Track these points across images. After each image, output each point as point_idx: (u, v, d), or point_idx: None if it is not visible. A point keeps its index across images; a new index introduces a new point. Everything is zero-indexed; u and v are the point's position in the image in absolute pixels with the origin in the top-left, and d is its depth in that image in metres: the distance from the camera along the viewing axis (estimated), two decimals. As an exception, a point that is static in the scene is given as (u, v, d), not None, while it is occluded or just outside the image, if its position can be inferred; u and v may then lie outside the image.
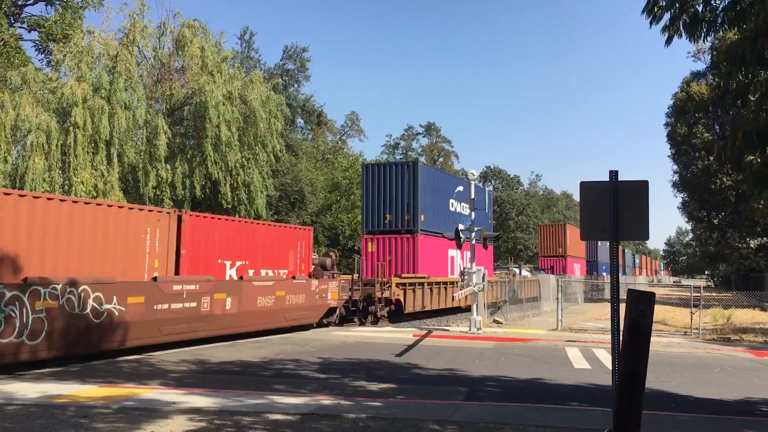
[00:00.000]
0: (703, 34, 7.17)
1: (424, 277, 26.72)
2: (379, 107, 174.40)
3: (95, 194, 26.97)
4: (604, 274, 62.73)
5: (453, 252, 30.59)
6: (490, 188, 50.74)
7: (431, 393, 10.78)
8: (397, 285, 24.52)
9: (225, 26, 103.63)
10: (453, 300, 28.14)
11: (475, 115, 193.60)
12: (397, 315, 24.98)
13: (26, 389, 9.80)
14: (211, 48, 33.09)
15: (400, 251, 27.15)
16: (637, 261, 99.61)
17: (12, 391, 9.60)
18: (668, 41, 7.24)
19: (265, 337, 18.26)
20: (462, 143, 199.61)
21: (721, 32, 7.47)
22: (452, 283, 29.27)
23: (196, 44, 32.24)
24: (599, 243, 60.97)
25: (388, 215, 27.45)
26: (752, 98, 8.09)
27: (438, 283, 28.03)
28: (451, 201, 30.88)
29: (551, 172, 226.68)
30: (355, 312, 23.98)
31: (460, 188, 31.52)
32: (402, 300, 24.71)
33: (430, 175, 29.25)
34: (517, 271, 34.53)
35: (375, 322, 23.86)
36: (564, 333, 21.61)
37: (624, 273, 76.76)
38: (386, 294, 24.00)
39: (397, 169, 28.10)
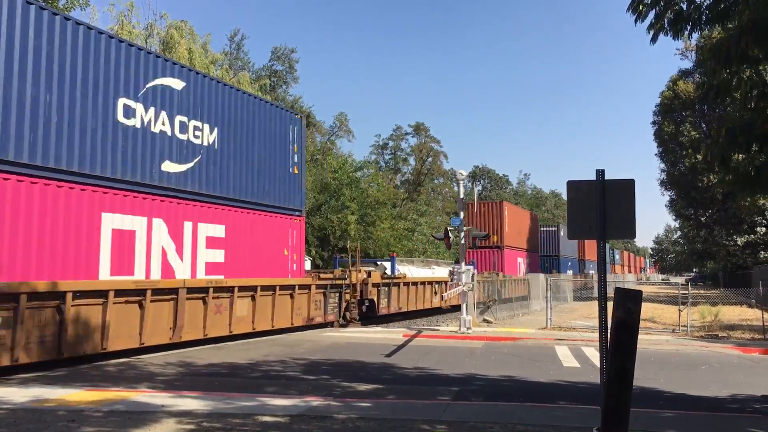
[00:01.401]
0: (687, 32, 7.21)
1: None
2: (367, 108, 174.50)
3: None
4: (569, 271, 58.16)
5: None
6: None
7: (421, 393, 10.78)
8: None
9: (211, 27, 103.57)
10: (443, 299, 28.21)
11: (464, 115, 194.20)
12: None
13: (13, 393, 9.71)
14: (198, 50, 33.04)
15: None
16: (617, 257, 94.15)
17: (-1, 396, 9.51)
18: (654, 39, 7.28)
19: (253, 339, 18.20)
20: (451, 143, 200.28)
21: (705, 30, 7.52)
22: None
23: (184, 46, 32.17)
24: (561, 233, 56.74)
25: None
26: (737, 96, 8.14)
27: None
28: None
29: (540, 172, 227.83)
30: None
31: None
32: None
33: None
34: (387, 267, 26.56)
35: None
36: (553, 332, 21.69)
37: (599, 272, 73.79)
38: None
39: None
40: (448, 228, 22.50)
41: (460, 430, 7.83)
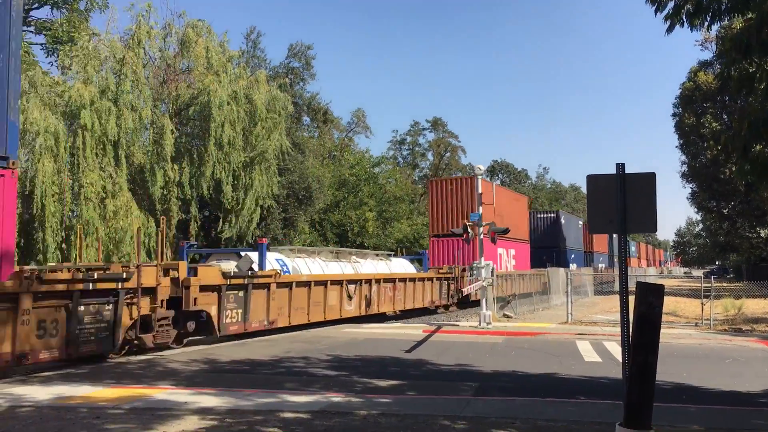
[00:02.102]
0: (706, 23, 7.12)
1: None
2: (385, 103, 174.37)
3: (104, 195, 27.08)
4: (573, 265, 49.80)
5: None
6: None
7: (441, 388, 10.78)
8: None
9: (228, 25, 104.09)
10: (462, 294, 28.22)
11: (482, 109, 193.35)
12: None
13: (36, 391, 9.86)
14: (215, 48, 33.14)
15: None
16: (633, 250, 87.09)
17: (22, 394, 9.66)
18: (669, 29, 7.19)
19: (274, 336, 18.30)
20: (469, 138, 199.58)
21: (726, 20, 7.42)
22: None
23: (201, 45, 32.29)
24: (562, 220, 51.09)
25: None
26: (759, 87, 8.03)
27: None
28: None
29: (559, 166, 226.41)
30: None
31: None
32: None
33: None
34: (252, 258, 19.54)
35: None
36: (574, 326, 21.57)
37: (610, 265, 65.39)
38: None
39: None
40: (467, 223, 22.44)
41: (481, 425, 7.82)
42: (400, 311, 25.97)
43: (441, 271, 29.27)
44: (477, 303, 25.51)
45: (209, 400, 9.20)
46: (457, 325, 22.03)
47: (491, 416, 8.35)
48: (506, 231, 25.95)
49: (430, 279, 27.77)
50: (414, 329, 20.55)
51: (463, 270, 28.95)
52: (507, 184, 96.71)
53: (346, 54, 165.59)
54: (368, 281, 23.33)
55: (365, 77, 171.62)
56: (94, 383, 10.77)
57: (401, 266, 27.97)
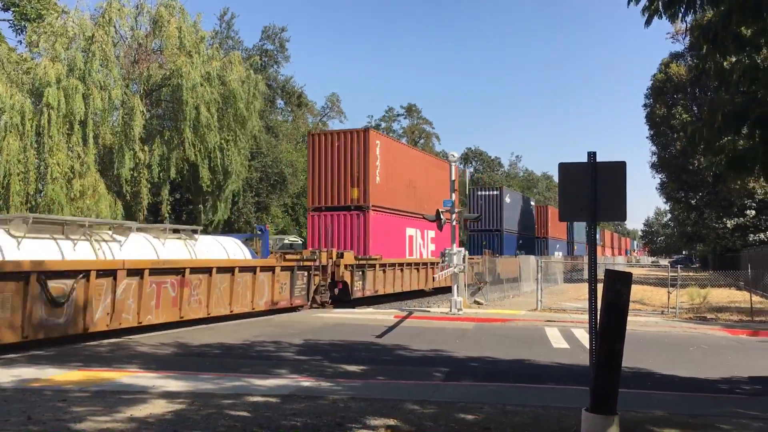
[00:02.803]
0: (681, 14, 7.16)
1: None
2: (359, 89, 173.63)
3: (71, 175, 26.64)
4: (520, 253, 42.30)
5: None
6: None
7: (412, 374, 10.83)
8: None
9: (202, 6, 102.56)
10: (434, 281, 28.12)
11: (456, 97, 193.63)
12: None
13: (0, 374, 9.68)
14: (188, 28, 32.67)
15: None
16: (597, 237, 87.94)
17: (-14, 376, 9.48)
18: (648, 22, 7.22)
19: (246, 320, 18.21)
20: (443, 125, 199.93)
21: (699, 12, 7.47)
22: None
23: (174, 24, 31.81)
24: (507, 199, 43.50)
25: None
26: (731, 79, 8.11)
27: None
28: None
29: (532, 154, 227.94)
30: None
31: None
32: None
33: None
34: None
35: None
36: (543, 313, 21.80)
37: (570, 253, 63.43)
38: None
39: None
40: (440, 210, 22.50)
41: (450, 410, 7.87)
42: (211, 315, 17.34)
43: (291, 257, 21.41)
44: (367, 301, 24.35)
45: (177, 383, 9.12)
46: (429, 311, 22.13)
47: (460, 401, 8.41)
48: (478, 217, 26.07)
49: (269, 269, 19.50)
50: (385, 315, 20.60)
51: (341, 255, 22.82)
52: (480, 172, 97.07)
53: (321, 38, 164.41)
54: (108, 274, 14.03)
55: (340, 62, 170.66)
56: (61, 366, 10.62)
57: (218, 249, 18.95)
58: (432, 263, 29.73)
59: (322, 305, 22.30)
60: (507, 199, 43.07)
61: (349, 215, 25.51)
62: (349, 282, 23.09)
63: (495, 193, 43.61)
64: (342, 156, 25.98)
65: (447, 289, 29.04)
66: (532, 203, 53.13)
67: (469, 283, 25.43)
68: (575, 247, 67.11)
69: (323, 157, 26.37)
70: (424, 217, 26.37)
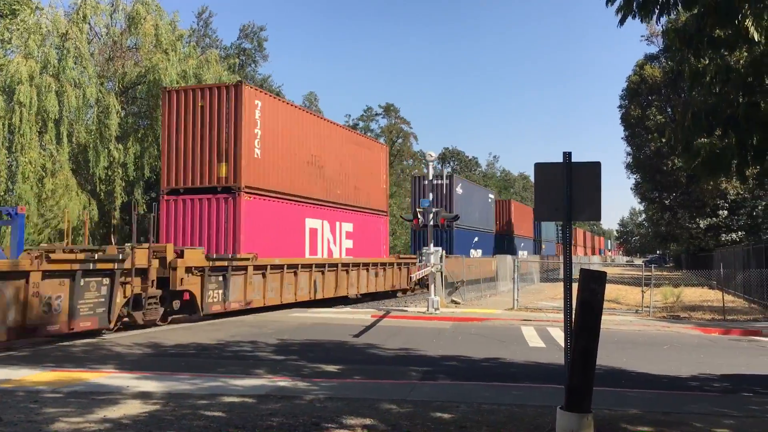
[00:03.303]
0: (656, 15, 7.25)
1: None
2: (337, 88, 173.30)
3: (43, 174, 26.26)
4: (476, 252, 38.63)
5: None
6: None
7: (388, 373, 10.84)
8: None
9: (177, 3, 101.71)
10: (410, 280, 26.92)
11: (435, 96, 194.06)
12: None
13: (-28, 375, 9.52)
14: (165, 26, 32.37)
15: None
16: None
17: (-43, 378, 9.32)
18: (621, 21, 7.30)
19: (220, 320, 18.09)
20: (421, 125, 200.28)
21: (673, 13, 7.57)
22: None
23: (150, 22, 31.50)
24: (458, 190, 36.95)
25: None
26: (705, 80, 8.22)
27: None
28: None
29: (509, 154, 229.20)
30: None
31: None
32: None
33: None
34: None
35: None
36: (520, 312, 21.93)
37: (536, 252, 59.72)
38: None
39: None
40: (417, 209, 22.54)
41: (427, 409, 7.88)
42: None
43: (66, 258, 13.35)
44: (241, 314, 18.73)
45: (152, 384, 9.04)
46: (406, 311, 22.15)
47: (437, 400, 8.43)
48: (456, 217, 26.13)
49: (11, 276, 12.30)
50: (363, 314, 20.58)
51: (180, 254, 16.51)
52: (458, 172, 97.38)
53: (300, 37, 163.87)
54: None
55: (319, 61, 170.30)
56: (33, 366, 10.47)
57: None
58: (351, 264, 24.86)
59: (146, 325, 15.79)
60: (459, 190, 36.43)
61: (215, 200, 19.56)
62: (197, 292, 16.97)
63: (443, 182, 35.34)
64: (208, 120, 19.95)
65: (383, 296, 27.27)
66: (491, 196, 46.17)
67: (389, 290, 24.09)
68: (543, 246, 63.88)
69: (182, 122, 20.19)
70: (401, 217, 26.38)
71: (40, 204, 25.92)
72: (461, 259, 29.49)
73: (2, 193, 25.87)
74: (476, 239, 40.35)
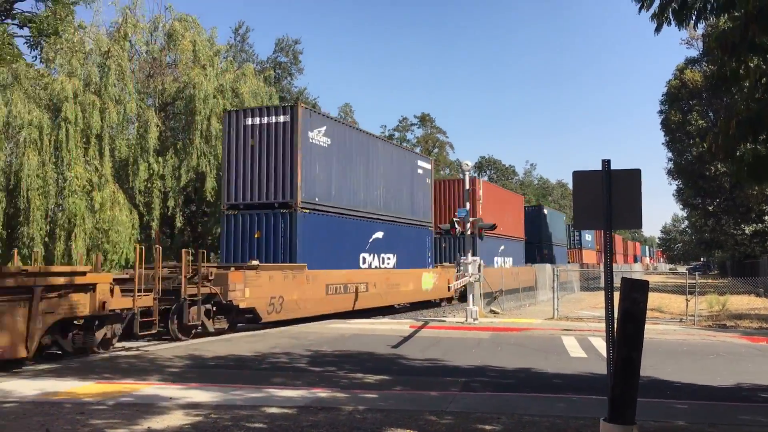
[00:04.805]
0: (693, 21, 7.15)
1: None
2: (373, 98, 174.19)
3: (90, 188, 26.93)
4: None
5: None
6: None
7: (428, 384, 10.79)
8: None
9: (215, 19, 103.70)
10: (449, 290, 26.52)
11: (470, 105, 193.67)
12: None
13: (23, 386, 9.79)
14: (203, 42, 32.98)
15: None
16: (588, 239, 65.58)
17: (9, 389, 9.58)
18: (658, 29, 7.22)
19: (261, 331, 18.26)
20: (457, 134, 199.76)
21: (711, 19, 7.46)
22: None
23: (188, 38, 32.13)
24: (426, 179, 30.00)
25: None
26: (746, 85, 8.07)
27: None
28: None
29: (546, 162, 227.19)
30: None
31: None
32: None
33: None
34: None
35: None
36: (560, 322, 21.67)
37: (532, 259, 44.19)
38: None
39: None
40: (454, 218, 22.47)
41: (467, 421, 7.84)
42: None
43: None
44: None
45: (195, 395, 9.17)
46: (444, 321, 22.06)
47: (477, 411, 8.38)
48: (494, 227, 25.99)
49: None
50: (401, 325, 20.56)
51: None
52: (495, 180, 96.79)
53: (334, 49, 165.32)
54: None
55: (354, 72, 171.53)
56: (81, 378, 10.70)
57: None
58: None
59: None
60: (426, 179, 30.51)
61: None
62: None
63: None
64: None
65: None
66: (425, 163, 31.33)
67: (485, 291, 24.92)
68: (545, 252, 49.95)
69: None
70: (439, 227, 26.32)
71: (94, 216, 26.63)
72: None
73: (52, 206, 26.60)
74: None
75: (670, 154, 54.01)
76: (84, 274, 13.12)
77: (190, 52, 31.93)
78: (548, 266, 33.61)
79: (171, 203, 30.98)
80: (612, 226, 7.30)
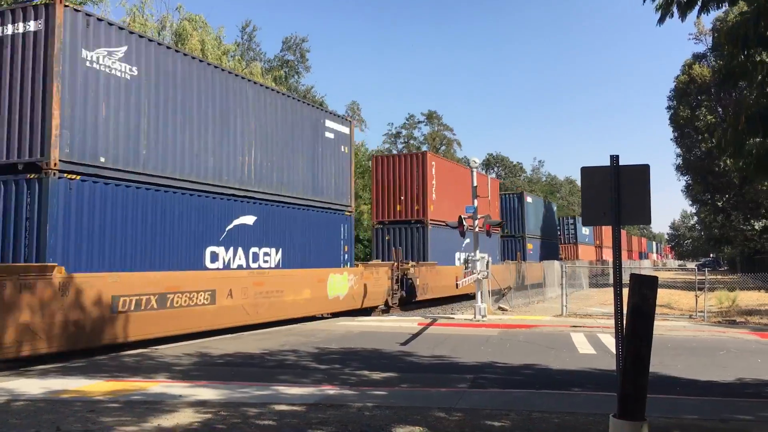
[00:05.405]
0: (696, 12, 7.11)
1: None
2: (380, 96, 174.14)
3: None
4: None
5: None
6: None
7: (436, 381, 10.80)
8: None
9: (222, 17, 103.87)
10: (457, 287, 27.58)
11: (477, 102, 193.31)
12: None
13: (31, 385, 9.84)
14: (211, 41, 33.11)
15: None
16: (585, 233, 62.42)
17: (16, 388, 9.63)
18: (661, 20, 7.18)
19: (268, 329, 18.29)
20: (464, 131, 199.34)
21: (715, 11, 7.42)
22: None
23: (196, 38, 32.25)
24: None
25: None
26: (755, 80, 8.01)
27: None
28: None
29: (554, 159, 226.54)
30: None
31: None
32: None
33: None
34: None
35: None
36: (569, 319, 21.62)
37: (510, 255, 41.10)
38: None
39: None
40: (462, 216, 22.45)
41: (476, 417, 7.83)
42: None
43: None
44: None
45: (204, 392, 9.19)
46: (453, 318, 22.05)
47: (486, 408, 8.37)
48: (501, 223, 25.93)
49: None
50: (409, 322, 20.56)
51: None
52: (502, 177, 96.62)
53: (341, 46, 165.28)
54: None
55: (360, 70, 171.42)
56: (89, 377, 10.75)
57: None
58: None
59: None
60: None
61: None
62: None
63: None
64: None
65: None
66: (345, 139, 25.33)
67: (493, 289, 25.24)
68: (530, 246, 45.61)
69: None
70: (447, 224, 26.37)
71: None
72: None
73: None
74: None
75: (678, 150, 53.79)
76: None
77: (198, 51, 32.03)
78: (556, 263, 33.49)
79: None
80: (621, 222, 7.27)
